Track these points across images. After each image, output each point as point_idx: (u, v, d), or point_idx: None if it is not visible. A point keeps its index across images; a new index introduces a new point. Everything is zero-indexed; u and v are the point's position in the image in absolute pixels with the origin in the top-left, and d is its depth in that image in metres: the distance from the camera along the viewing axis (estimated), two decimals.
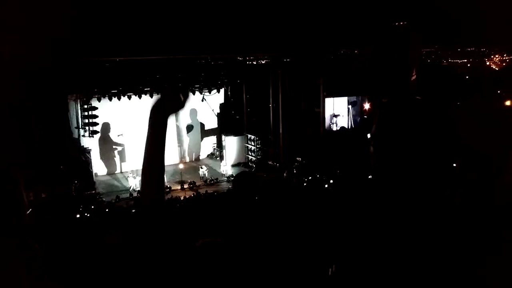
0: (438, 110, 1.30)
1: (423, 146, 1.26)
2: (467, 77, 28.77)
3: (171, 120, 18.71)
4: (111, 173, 18.27)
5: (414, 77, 20.69)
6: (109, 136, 18.01)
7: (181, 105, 1.68)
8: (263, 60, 18.62)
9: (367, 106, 19.58)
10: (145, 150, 1.62)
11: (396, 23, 18.84)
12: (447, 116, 1.30)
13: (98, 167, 17.82)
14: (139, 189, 15.65)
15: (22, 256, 1.86)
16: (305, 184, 14.83)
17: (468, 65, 33.37)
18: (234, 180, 2.97)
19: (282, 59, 17.53)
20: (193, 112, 19.64)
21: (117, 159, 18.41)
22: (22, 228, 1.99)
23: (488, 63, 34.38)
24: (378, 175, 1.37)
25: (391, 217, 1.32)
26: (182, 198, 14.52)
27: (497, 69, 33.41)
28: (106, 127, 17.64)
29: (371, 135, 1.41)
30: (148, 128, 1.63)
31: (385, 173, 1.34)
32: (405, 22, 18.80)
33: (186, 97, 1.68)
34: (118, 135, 18.03)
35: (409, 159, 1.27)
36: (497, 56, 34.36)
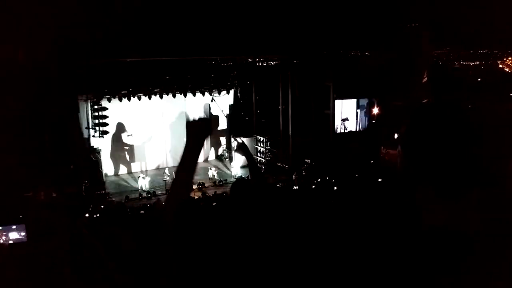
0: (469, 117, 1.30)
1: (454, 150, 1.25)
2: (479, 79, 28.46)
3: (181, 120, 18.79)
4: (120, 173, 18.38)
5: (425, 79, 20.52)
6: (119, 136, 18.11)
7: (209, 130, 1.90)
8: (273, 62, 18.61)
9: (375, 110, 19.43)
10: (178, 170, 1.80)
11: (408, 25, 18.70)
12: (478, 123, 1.30)
13: (108, 167, 17.93)
14: (148, 189, 15.78)
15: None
16: (313, 186, 14.77)
17: (482, 67, 32.97)
18: (232, 188, 2.92)
19: (292, 61, 17.50)
20: (203, 113, 19.66)
21: (126, 159, 18.51)
22: None
23: (500, 66, 33.95)
24: (405, 173, 1.36)
25: (411, 215, 1.31)
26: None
27: (510, 71, 32.98)
28: (116, 127, 17.74)
29: (399, 134, 1.41)
30: (186, 152, 1.82)
31: (413, 172, 1.33)
32: (417, 24, 18.65)
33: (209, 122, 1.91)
34: (128, 135, 18.15)
35: (439, 161, 1.26)
36: (510, 58, 33.90)
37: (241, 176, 17.44)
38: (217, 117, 19.94)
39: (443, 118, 1.32)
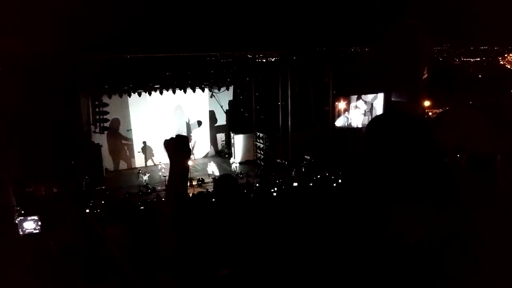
0: (423, 127, 1.28)
1: (410, 162, 1.24)
2: (479, 76, 28.46)
3: (181, 116, 18.80)
4: (121, 169, 18.42)
5: (425, 76, 20.48)
6: (119, 132, 18.15)
7: (188, 150, 1.81)
8: (272, 58, 18.59)
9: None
10: (168, 187, 1.74)
11: (408, 21, 18.64)
12: (430, 133, 1.27)
13: (109, 163, 17.97)
14: (148, 184, 15.80)
15: (29, 255, 1.90)
16: (311, 183, 14.79)
17: (485, 64, 32.94)
18: (215, 183, 2.96)
19: (291, 57, 17.48)
20: (202, 109, 19.70)
21: (127, 155, 18.55)
22: (11, 228, 2.04)
23: (501, 62, 33.92)
24: (368, 186, 1.35)
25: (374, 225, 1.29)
26: (190, 195, 14.58)
27: (510, 67, 32.95)
28: (116, 123, 17.77)
29: (359, 153, 1.39)
30: (171, 171, 1.77)
31: (375, 190, 1.32)
32: (417, 20, 18.60)
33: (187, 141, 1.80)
34: (127, 130, 18.21)
35: (397, 175, 1.25)
36: (510, 54, 33.86)
37: (241, 172, 17.50)
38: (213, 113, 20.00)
39: (399, 128, 1.31)
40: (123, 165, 18.50)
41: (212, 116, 20.13)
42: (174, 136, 1.79)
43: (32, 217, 2.57)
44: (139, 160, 18.56)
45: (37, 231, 2.63)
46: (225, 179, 2.96)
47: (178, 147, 1.75)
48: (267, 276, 1.50)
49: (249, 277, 1.54)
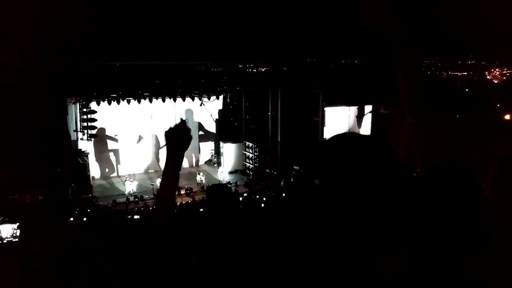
0: (380, 145, 1.25)
1: (369, 181, 1.21)
2: (466, 90, 28.86)
3: (170, 124, 18.74)
4: (108, 176, 18.22)
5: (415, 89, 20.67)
6: (106, 139, 17.99)
7: (189, 138, 1.81)
8: (263, 68, 18.67)
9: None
10: (163, 178, 1.72)
11: (397, 35, 18.88)
12: (388, 149, 1.24)
13: (95, 171, 17.77)
14: (136, 193, 15.63)
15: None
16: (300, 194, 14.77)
17: (475, 78, 33.42)
18: (207, 192, 2.92)
19: (282, 68, 17.58)
20: (192, 117, 19.64)
21: (114, 162, 18.37)
22: None
23: (488, 77, 34.49)
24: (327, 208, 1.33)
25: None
26: (178, 203, 14.46)
27: (497, 82, 33.53)
28: (104, 130, 17.62)
29: (317, 166, 1.38)
30: (168, 162, 1.74)
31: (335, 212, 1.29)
32: (406, 35, 18.85)
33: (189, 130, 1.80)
34: (115, 135, 18.09)
35: (357, 195, 1.22)
36: (497, 69, 34.47)
37: (229, 181, 17.43)
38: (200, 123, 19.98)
39: (360, 148, 1.29)
40: (110, 173, 18.30)
41: (202, 125, 20.08)
42: (177, 124, 1.74)
43: (11, 225, 2.51)
44: (126, 168, 18.39)
45: (16, 239, 2.57)
46: (218, 189, 2.92)
47: (178, 138, 1.72)
48: (234, 265, 1.48)
49: (216, 265, 1.52)
